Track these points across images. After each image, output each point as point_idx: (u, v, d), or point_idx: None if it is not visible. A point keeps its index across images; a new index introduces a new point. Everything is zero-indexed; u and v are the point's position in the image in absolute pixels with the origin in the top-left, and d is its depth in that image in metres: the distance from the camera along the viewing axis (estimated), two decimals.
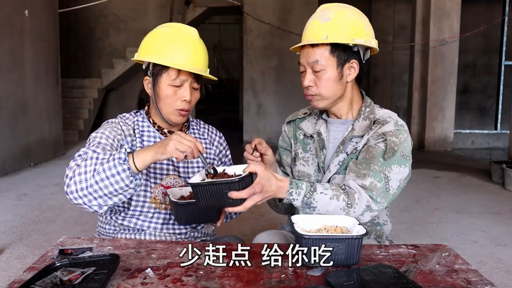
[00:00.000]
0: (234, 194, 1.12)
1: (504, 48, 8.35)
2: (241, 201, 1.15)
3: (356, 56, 1.42)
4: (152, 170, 1.49)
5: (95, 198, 1.22)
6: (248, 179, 1.15)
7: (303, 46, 1.42)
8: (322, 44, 1.37)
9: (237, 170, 1.24)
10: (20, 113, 5.40)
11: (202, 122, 1.69)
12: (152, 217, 1.47)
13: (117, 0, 8.27)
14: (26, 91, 5.53)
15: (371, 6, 9.89)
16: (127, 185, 1.21)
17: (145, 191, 1.48)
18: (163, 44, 1.42)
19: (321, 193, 1.25)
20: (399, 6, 9.70)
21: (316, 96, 1.42)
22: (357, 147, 1.42)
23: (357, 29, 1.38)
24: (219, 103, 15.87)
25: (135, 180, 1.22)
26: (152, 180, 1.48)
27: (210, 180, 1.17)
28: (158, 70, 1.43)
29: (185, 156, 1.21)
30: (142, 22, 8.45)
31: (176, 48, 1.41)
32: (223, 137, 1.70)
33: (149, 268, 1.06)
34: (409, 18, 8.25)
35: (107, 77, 8.22)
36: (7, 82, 5.14)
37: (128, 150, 1.24)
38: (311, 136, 1.53)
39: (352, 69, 1.42)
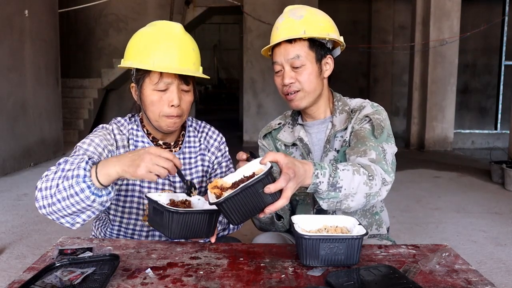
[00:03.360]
0: (272, 187, 1.01)
1: (504, 48, 8.35)
2: (279, 194, 1.04)
3: (330, 52, 1.44)
4: (146, 185, 1.39)
5: (62, 217, 1.14)
6: (270, 170, 1.04)
7: (278, 45, 1.40)
8: (300, 39, 1.37)
9: (248, 169, 1.13)
10: (20, 113, 5.40)
11: (203, 125, 1.56)
12: (147, 236, 1.40)
13: (117, 0, 8.27)
14: (26, 91, 5.53)
15: (371, 6, 9.90)
16: (89, 205, 1.11)
17: (138, 208, 1.39)
18: (143, 46, 1.30)
19: (343, 170, 1.17)
20: (399, 6, 9.70)
21: (299, 93, 1.40)
22: (345, 139, 1.42)
23: (329, 25, 1.42)
24: (219, 103, 15.89)
25: (99, 197, 1.09)
26: (145, 197, 1.33)
27: (242, 185, 1.01)
28: (140, 75, 1.33)
29: (158, 176, 1.08)
30: (142, 22, 8.32)
31: (157, 49, 1.28)
32: (224, 143, 1.56)
33: (149, 268, 1.06)
34: (409, 18, 8.25)
35: (107, 77, 8.23)
36: (7, 82, 5.14)
37: (91, 162, 1.11)
38: (293, 144, 1.50)
39: (327, 65, 1.44)
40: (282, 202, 1.04)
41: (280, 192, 1.05)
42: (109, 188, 1.13)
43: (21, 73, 5.42)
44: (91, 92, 8.17)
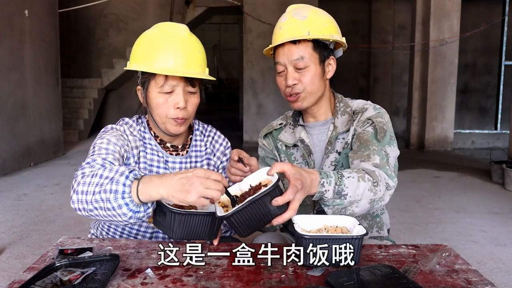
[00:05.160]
0: (280, 200, 1.02)
1: (504, 48, 8.35)
2: (286, 205, 1.05)
3: (332, 53, 1.44)
4: None
5: (101, 220, 1.16)
6: (278, 182, 1.05)
7: (281, 45, 1.39)
8: (304, 41, 1.36)
9: (255, 179, 1.12)
10: (20, 113, 5.40)
11: (209, 129, 1.55)
12: (150, 238, 1.40)
13: (117, 0, 8.27)
14: (26, 91, 5.53)
15: (371, 6, 9.90)
16: (125, 221, 1.09)
17: None
18: (148, 48, 1.30)
19: (348, 177, 1.17)
20: (399, 6, 9.70)
21: (301, 94, 1.39)
22: (347, 141, 1.42)
23: (332, 26, 1.41)
24: (219, 103, 15.87)
25: (136, 213, 1.07)
26: None
27: (250, 198, 1.01)
28: (145, 78, 1.32)
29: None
30: (142, 22, 8.45)
31: (161, 52, 1.27)
32: (229, 148, 1.54)
33: (149, 268, 1.06)
34: (409, 18, 8.25)
35: (107, 77, 8.23)
36: (7, 82, 5.14)
37: (132, 177, 1.07)
38: (294, 145, 1.50)
39: (330, 66, 1.44)
40: (290, 213, 1.05)
41: (287, 203, 1.05)
42: (148, 204, 1.09)
43: (21, 73, 5.42)
44: (91, 92, 8.17)
